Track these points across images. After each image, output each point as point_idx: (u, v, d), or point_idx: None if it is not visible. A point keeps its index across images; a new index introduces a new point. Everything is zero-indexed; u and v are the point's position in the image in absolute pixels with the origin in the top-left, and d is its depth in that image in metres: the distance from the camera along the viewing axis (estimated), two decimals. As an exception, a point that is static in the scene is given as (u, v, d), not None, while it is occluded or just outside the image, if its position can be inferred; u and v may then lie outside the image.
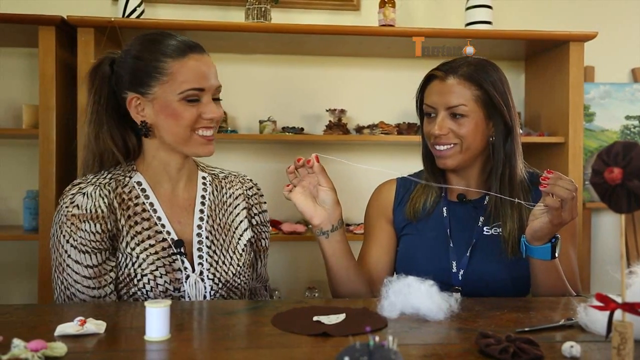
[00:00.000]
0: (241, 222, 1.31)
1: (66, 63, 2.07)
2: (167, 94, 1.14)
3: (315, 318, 0.96)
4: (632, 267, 0.93)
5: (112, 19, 1.96)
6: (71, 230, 1.13)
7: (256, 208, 1.35)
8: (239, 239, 1.29)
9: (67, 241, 1.13)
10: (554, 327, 0.95)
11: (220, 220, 1.27)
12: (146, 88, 1.15)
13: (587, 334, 0.92)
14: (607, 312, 0.72)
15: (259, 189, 1.38)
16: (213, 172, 1.34)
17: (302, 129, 2.30)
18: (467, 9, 2.27)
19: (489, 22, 2.24)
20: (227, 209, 1.30)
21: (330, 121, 2.29)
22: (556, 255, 1.17)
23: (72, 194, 1.16)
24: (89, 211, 1.14)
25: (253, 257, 1.34)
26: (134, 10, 2.10)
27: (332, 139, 2.23)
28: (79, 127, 1.97)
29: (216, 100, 1.20)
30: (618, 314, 0.71)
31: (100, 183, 1.18)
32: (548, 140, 2.23)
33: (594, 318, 0.90)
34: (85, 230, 1.13)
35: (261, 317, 1.00)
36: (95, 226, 1.13)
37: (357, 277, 1.27)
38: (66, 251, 1.13)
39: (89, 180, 1.19)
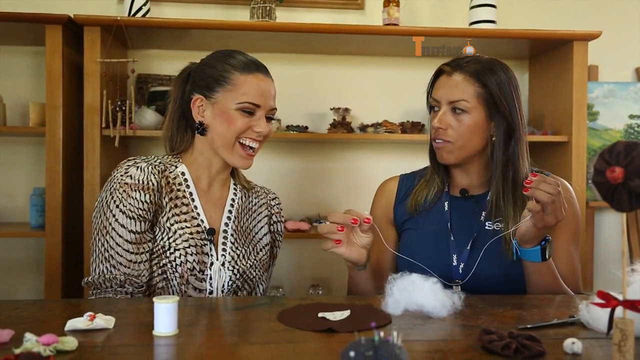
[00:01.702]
0: (262, 227, 1.44)
1: (73, 61, 2.09)
2: (227, 100, 1.28)
3: (320, 314, 0.98)
4: (633, 265, 0.94)
5: (119, 18, 1.98)
6: (122, 197, 1.23)
7: (275, 217, 1.49)
8: (259, 240, 1.42)
9: (117, 206, 1.22)
10: (556, 324, 0.96)
11: (243, 224, 1.40)
12: (211, 92, 1.29)
13: (589, 331, 0.93)
14: (609, 310, 0.73)
15: (279, 202, 1.52)
16: (243, 183, 1.46)
17: (307, 128, 2.31)
18: (471, 8, 2.27)
19: (493, 21, 2.24)
20: (251, 215, 1.43)
21: (334, 120, 2.29)
22: (547, 257, 1.18)
23: (128, 166, 1.28)
24: (140, 182, 1.25)
25: (267, 262, 1.43)
26: (140, 9, 2.11)
27: (336, 137, 2.24)
28: (86, 125, 1.99)
29: (269, 118, 1.33)
30: (619, 311, 0.72)
31: (151, 163, 1.30)
32: (552, 139, 2.23)
33: (595, 315, 0.92)
34: (135, 198, 1.23)
35: (267, 314, 1.02)
36: (144, 196, 1.24)
37: (372, 282, 1.30)
38: (114, 215, 1.22)
39: (142, 158, 1.32)
